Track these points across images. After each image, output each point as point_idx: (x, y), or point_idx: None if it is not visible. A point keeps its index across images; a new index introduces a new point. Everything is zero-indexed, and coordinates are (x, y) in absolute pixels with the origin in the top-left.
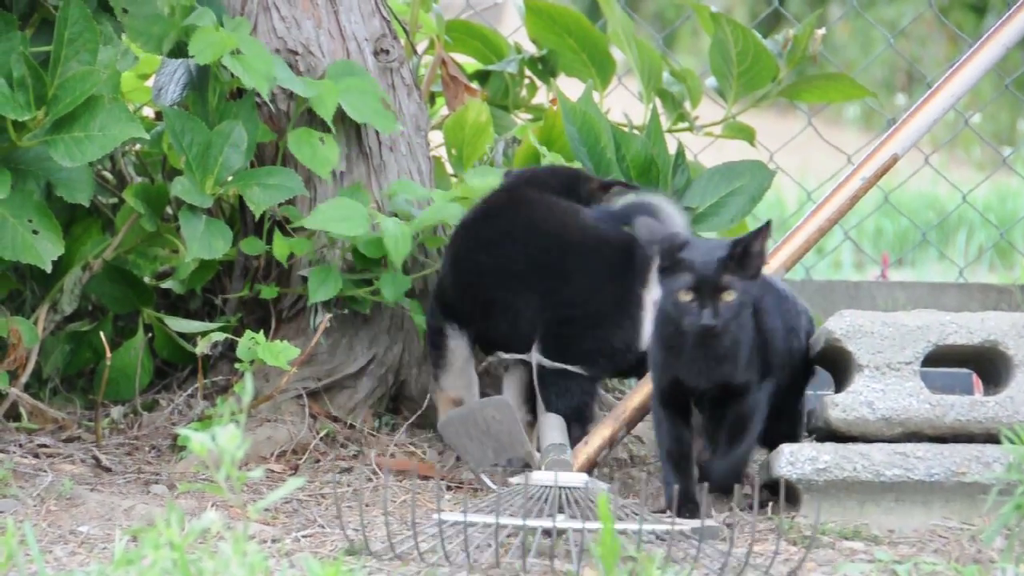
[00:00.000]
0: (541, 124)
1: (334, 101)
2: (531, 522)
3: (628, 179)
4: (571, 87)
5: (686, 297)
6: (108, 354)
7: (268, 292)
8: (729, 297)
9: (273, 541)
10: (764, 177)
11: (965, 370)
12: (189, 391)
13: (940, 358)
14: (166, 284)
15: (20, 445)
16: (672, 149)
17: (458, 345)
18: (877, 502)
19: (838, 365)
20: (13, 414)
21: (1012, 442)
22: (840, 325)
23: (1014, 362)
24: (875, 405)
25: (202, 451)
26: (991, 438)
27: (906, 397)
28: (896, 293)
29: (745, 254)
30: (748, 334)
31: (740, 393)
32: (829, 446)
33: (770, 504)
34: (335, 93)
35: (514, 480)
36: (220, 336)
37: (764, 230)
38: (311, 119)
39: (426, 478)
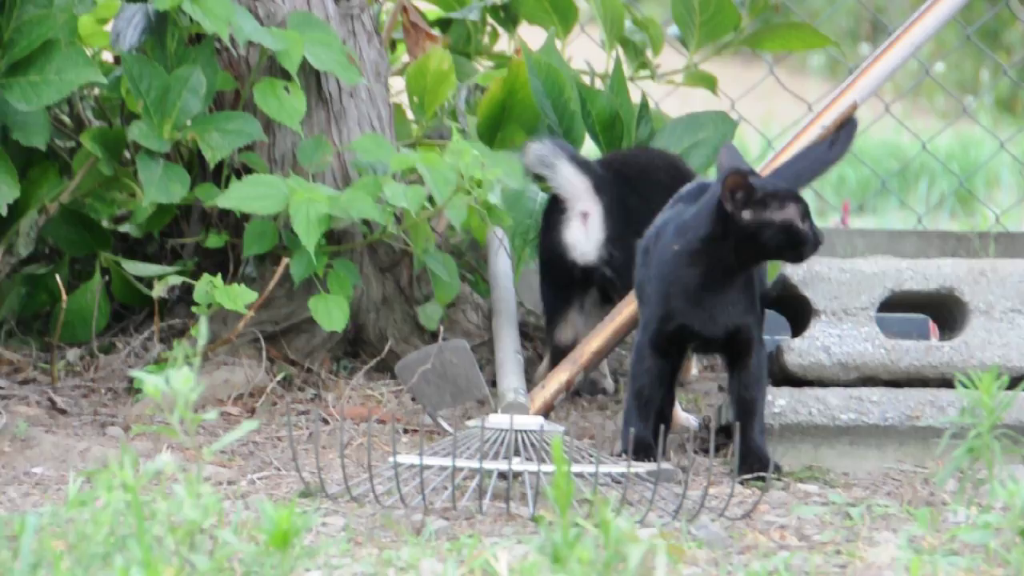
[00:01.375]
0: (505, 75)
1: (299, 53)
2: (487, 464)
3: (593, 134)
4: (533, 35)
5: (804, 224)
6: (64, 297)
7: (214, 241)
8: None
9: (229, 483)
10: (727, 128)
11: (922, 316)
12: (146, 334)
13: (897, 304)
14: (123, 228)
15: None
16: (635, 99)
17: None
18: (832, 445)
19: (795, 311)
20: None
21: (966, 387)
22: (797, 271)
23: (969, 308)
24: (831, 350)
25: (156, 393)
26: (945, 383)
27: (862, 342)
28: (855, 240)
29: None
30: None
31: (746, 341)
32: (785, 390)
33: (727, 448)
34: (300, 45)
35: (470, 423)
36: (177, 279)
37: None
38: (272, 65)
39: (383, 422)
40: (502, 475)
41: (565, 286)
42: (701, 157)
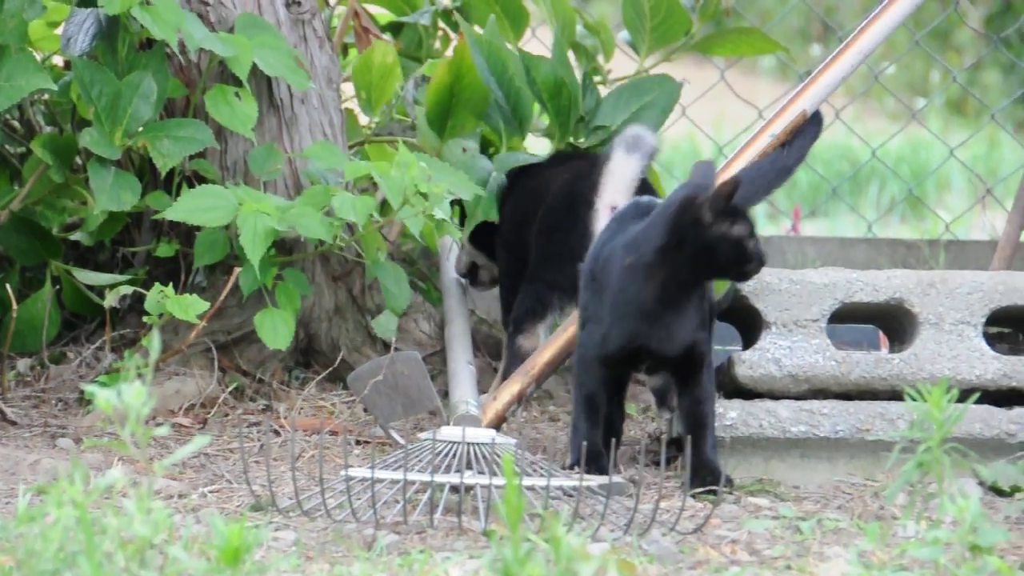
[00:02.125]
0: (451, 58)
1: (249, 59)
2: (439, 478)
3: (540, 102)
4: None
5: (751, 242)
6: (14, 306)
7: (164, 250)
8: None
9: (179, 496)
10: (672, 89)
11: (871, 326)
12: (97, 344)
13: (847, 315)
14: (74, 236)
15: None
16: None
17: None
18: (783, 458)
19: (746, 322)
20: None
21: (915, 399)
22: (748, 282)
23: (919, 320)
24: (782, 362)
25: (108, 408)
26: (895, 395)
27: (813, 354)
28: (806, 248)
29: None
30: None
31: (700, 356)
32: (736, 402)
33: (677, 460)
34: (250, 51)
35: (422, 436)
36: (128, 289)
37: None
38: (222, 71)
39: (335, 433)
40: (454, 489)
41: (561, 289)
42: (649, 120)
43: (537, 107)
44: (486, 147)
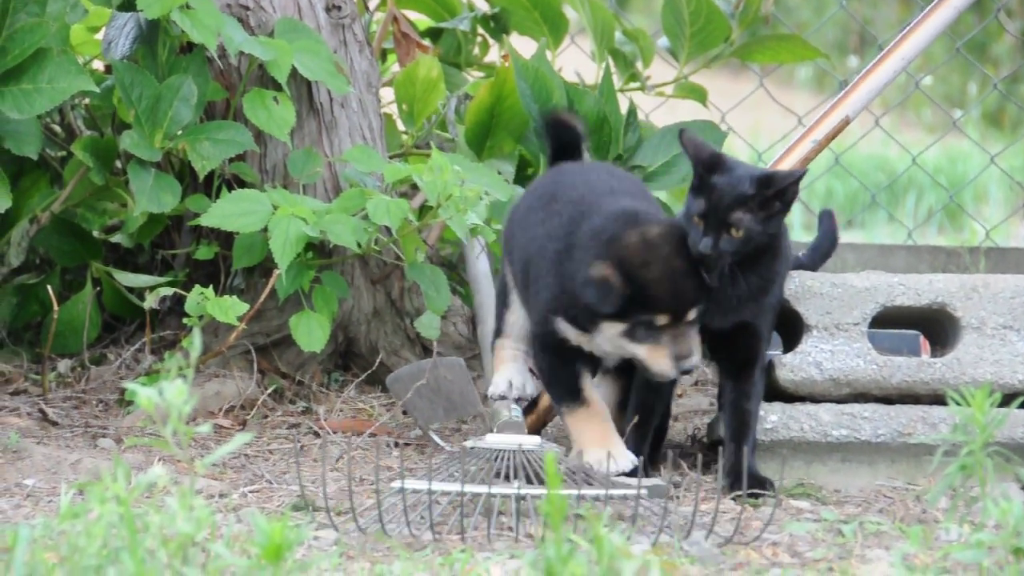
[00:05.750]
0: (493, 80)
1: (289, 63)
2: (495, 490)
3: None
4: (523, 45)
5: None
6: (55, 307)
7: (203, 253)
8: (737, 233)
9: (220, 496)
10: (715, 137)
11: (913, 332)
12: (137, 345)
13: (888, 319)
14: (115, 238)
15: None
16: (624, 108)
17: None
18: (824, 462)
19: (787, 326)
20: None
21: (958, 403)
22: (789, 286)
23: (961, 324)
24: (823, 366)
25: (149, 406)
26: (937, 399)
27: (854, 358)
28: (845, 255)
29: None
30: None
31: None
32: (777, 406)
33: (717, 464)
34: (290, 54)
35: (467, 444)
36: (168, 291)
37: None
38: (262, 75)
39: (374, 435)
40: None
41: None
42: (688, 166)
43: None
44: (524, 167)
